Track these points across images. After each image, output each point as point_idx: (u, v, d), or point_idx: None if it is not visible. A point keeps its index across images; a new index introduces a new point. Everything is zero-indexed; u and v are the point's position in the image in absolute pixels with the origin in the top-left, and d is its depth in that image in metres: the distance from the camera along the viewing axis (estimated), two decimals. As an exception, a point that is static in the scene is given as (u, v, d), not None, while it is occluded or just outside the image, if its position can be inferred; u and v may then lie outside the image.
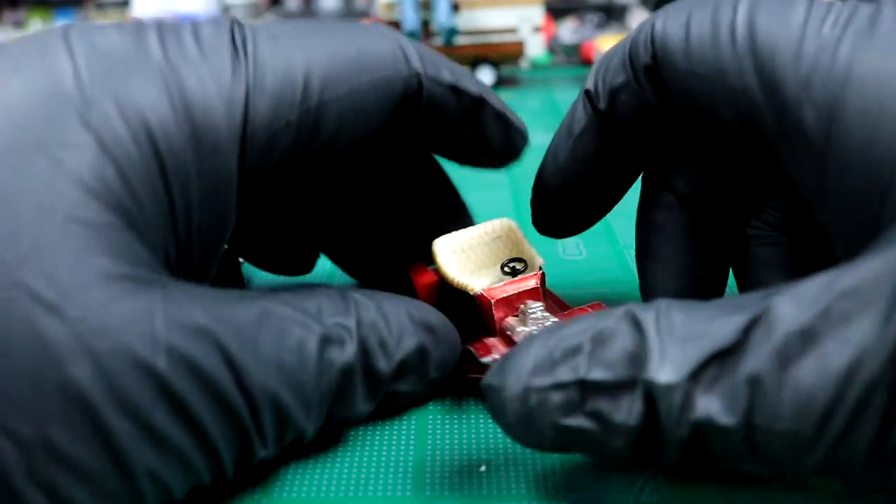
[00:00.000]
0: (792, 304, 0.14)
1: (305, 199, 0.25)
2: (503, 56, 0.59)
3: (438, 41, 0.58)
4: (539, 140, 0.29)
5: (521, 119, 0.23)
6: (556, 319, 0.22)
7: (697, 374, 0.15)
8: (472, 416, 0.22)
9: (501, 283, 0.23)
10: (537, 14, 0.59)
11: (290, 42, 0.19)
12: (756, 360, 0.14)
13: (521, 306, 0.22)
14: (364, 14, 0.74)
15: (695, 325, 0.15)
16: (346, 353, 0.18)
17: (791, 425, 0.14)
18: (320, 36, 0.19)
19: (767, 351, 0.14)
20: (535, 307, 0.22)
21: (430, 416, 0.22)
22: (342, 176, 0.25)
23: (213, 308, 0.16)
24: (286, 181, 0.21)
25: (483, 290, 0.22)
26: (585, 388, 0.16)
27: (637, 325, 0.16)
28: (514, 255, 0.24)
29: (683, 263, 0.23)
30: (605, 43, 0.59)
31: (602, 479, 0.19)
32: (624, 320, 0.16)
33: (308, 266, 0.27)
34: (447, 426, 0.21)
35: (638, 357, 0.15)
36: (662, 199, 0.23)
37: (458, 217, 0.27)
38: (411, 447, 0.21)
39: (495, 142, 0.23)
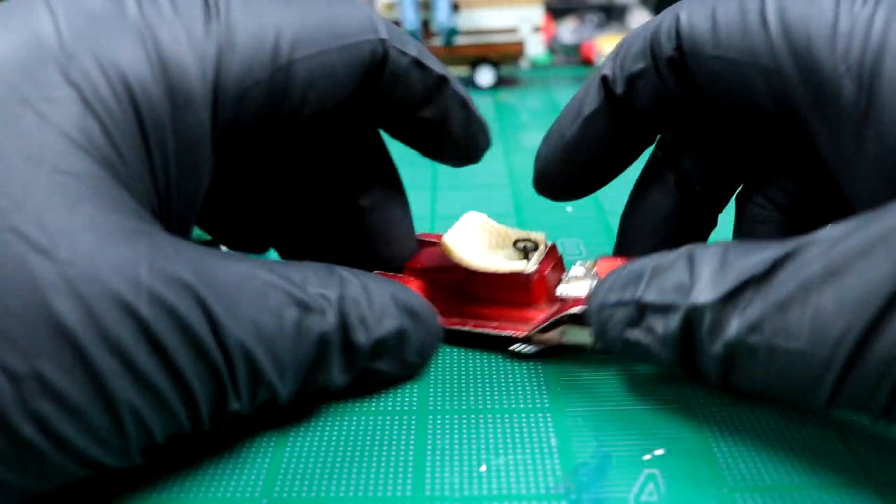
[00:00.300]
0: (820, 243, 0.16)
1: (270, 171, 0.25)
2: (503, 56, 0.59)
3: (438, 41, 0.58)
4: (539, 140, 0.29)
5: (483, 116, 0.24)
6: (595, 271, 0.24)
7: (731, 298, 0.17)
8: (473, 416, 0.22)
9: (528, 262, 0.24)
10: (537, 14, 0.59)
11: (261, 4, 0.19)
12: (783, 287, 0.16)
13: (566, 275, 0.25)
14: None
15: (736, 258, 0.17)
16: (325, 322, 0.19)
17: (808, 346, 0.16)
18: (292, 0, 0.20)
19: (794, 280, 0.16)
20: (576, 272, 0.25)
21: (430, 416, 0.22)
22: (305, 149, 0.25)
23: (198, 263, 0.17)
24: (257, 146, 0.21)
25: (529, 270, 0.24)
26: (641, 307, 0.19)
27: (691, 260, 0.18)
28: (498, 241, 0.26)
29: (661, 239, 0.25)
30: (606, 43, 0.59)
31: (602, 479, 0.19)
32: (682, 256, 0.19)
33: (263, 246, 0.27)
34: (447, 426, 0.21)
35: (685, 286, 0.18)
36: (662, 177, 0.25)
37: (397, 199, 0.27)
38: (411, 447, 0.21)
39: (456, 129, 0.24)
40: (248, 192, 0.25)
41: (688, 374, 0.19)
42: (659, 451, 0.20)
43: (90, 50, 0.17)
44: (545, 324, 0.23)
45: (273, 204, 0.26)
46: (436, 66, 0.22)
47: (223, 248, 0.27)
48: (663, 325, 0.18)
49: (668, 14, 0.21)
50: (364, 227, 0.26)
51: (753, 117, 0.21)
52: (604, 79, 0.22)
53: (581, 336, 0.23)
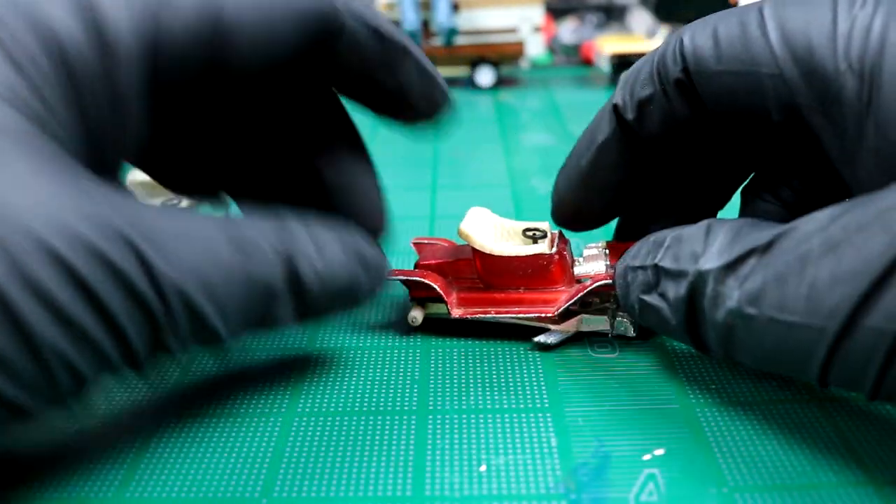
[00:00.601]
0: (821, 220, 0.17)
1: (217, 122, 0.25)
2: (503, 56, 0.59)
3: (438, 41, 0.58)
4: (539, 140, 0.29)
5: (444, 81, 0.25)
6: (606, 253, 0.26)
7: (732, 267, 0.18)
8: (472, 416, 0.22)
9: (541, 247, 0.25)
10: (537, 14, 0.59)
11: None
12: (782, 260, 0.17)
13: (579, 258, 0.26)
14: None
15: (748, 233, 0.18)
16: (271, 270, 0.19)
17: (802, 319, 0.17)
18: None
19: (793, 253, 0.17)
20: (589, 253, 0.26)
21: (430, 416, 0.22)
22: (254, 103, 0.25)
23: (131, 210, 0.17)
24: (199, 99, 0.21)
25: (551, 250, 0.25)
26: (658, 272, 0.20)
27: (708, 232, 0.19)
28: (501, 233, 0.27)
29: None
30: (605, 43, 0.59)
31: (602, 479, 0.19)
32: (702, 227, 0.20)
33: (212, 192, 0.27)
34: (447, 426, 0.21)
35: (697, 254, 0.19)
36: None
37: (360, 164, 0.27)
38: (411, 447, 0.21)
39: (415, 92, 0.24)
40: (199, 141, 0.25)
41: (694, 343, 0.20)
42: (659, 451, 0.20)
43: (19, 9, 0.17)
44: (579, 295, 0.24)
45: (226, 154, 0.26)
46: (396, 35, 0.23)
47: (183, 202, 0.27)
48: (674, 291, 0.20)
49: (671, 39, 0.22)
50: (327, 191, 0.26)
51: (760, 125, 0.21)
52: (615, 107, 0.23)
53: (598, 322, 0.25)
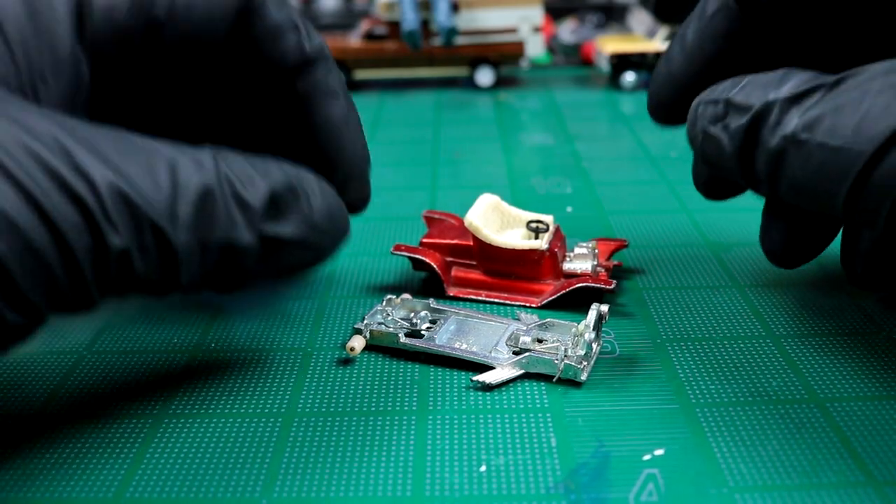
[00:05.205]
0: (889, 65, 0.18)
1: (163, 102, 0.25)
2: (503, 56, 0.59)
3: (438, 41, 0.58)
4: (539, 140, 0.29)
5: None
6: (596, 251, 0.28)
7: (799, 98, 0.19)
8: (472, 416, 0.22)
9: (541, 240, 0.27)
10: (537, 14, 0.59)
11: None
12: (844, 93, 0.18)
13: (570, 254, 0.28)
14: (364, 14, 0.74)
15: (818, 76, 0.19)
16: (202, 174, 0.19)
17: (847, 143, 0.18)
18: None
19: (856, 88, 0.18)
20: (579, 251, 0.28)
21: (430, 416, 0.22)
22: (198, 79, 0.25)
23: (62, 120, 0.18)
24: (138, 71, 0.23)
25: (543, 247, 0.27)
26: (728, 105, 0.21)
27: (787, 74, 0.20)
28: (508, 221, 0.29)
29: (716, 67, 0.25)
30: (605, 43, 0.59)
31: (602, 479, 0.19)
32: (781, 71, 0.21)
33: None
34: (447, 426, 0.21)
35: (769, 91, 0.20)
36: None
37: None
38: (411, 447, 0.21)
39: (319, 120, 0.24)
40: (153, 104, 0.25)
41: (742, 172, 0.21)
42: (659, 451, 0.20)
43: None
44: (555, 295, 0.27)
45: (186, 119, 0.26)
46: (315, 39, 0.23)
47: None
48: (737, 121, 0.21)
49: None
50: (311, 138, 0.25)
51: None
52: None
53: (545, 365, 0.23)
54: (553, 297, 0.27)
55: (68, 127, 0.17)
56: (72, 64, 0.21)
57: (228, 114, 0.26)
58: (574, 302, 0.27)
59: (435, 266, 0.28)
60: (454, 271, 0.29)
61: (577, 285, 0.26)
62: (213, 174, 0.19)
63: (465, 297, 0.28)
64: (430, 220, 0.31)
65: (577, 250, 0.28)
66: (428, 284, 0.29)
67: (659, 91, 0.27)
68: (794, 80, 0.20)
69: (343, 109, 0.25)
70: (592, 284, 0.26)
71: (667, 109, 0.27)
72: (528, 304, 0.27)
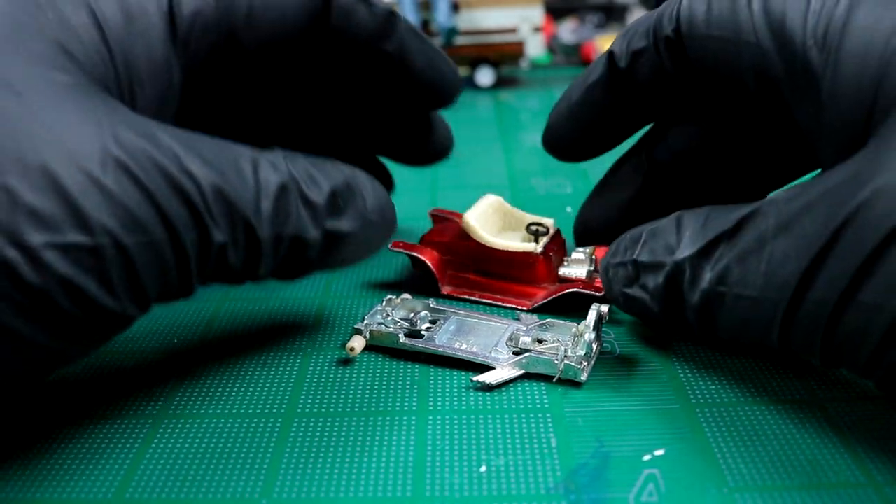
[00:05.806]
0: (777, 202, 0.19)
1: (244, 101, 0.28)
2: (503, 56, 0.59)
3: (438, 41, 0.58)
4: (539, 140, 0.29)
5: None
6: (592, 257, 0.28)
7: (705, 252, 0.20)
8: (472, 416, 0.22)
9: (538, 244, 0.27)
10: (537, 14, 0.59)
11: None
12: (744, 240, 0.19)
13: (567, 258, 0.28)
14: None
15: (716, 218, 0.20)
16: (278, 174, 0.20)
17: (761, 293, 0.19)
18: None
19: (754, 234, 0.19)
20: (576, 256, 0.28)
21: (430, 416, 0.22)
22: (273, 80, 0.28)
23: (165, 126, 0.19)
24: (222, 68, 0.24)
25: (538, 251, 0.27)
26: (637, 266, 0.22)
27: (679, 223, 0.21)
28: (510, 223, 0.30)
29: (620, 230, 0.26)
30: (606, 43, 0.59)
31: (602, 479, 0.19)
32: (672, 219, 0.22)
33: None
34: (447, 426, 0.21)
35: (672, 246, 0.21)
36: (626, 170, 0.28)
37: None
38: (411, 447, 0.21)
39: (417, 60, 0.26)
40: (229, 116, 0.28)
41: (676, 327, 0.22)
42: (659, 451, 0.20)
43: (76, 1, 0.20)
44: (547, 299, 0.27)
45: (263, 121, 0.29)
46: (381, 2, 0.25)
47: None
48: (653, 282, 0.21)
49: (673, 2, 0.24)
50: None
51: (739, 92, 0.23)
52: (611, 54, 0.25)
53: (545, 365, 0.23)
54: (544, 300, 0.27)
55: (170, 131, 0.19)
56: (166, 69, 0.22)
57: (300, 110, 0.28)
58: (568, 307, 0.26)
59: (429, 263, 0.28)
60: (450, 270, 0.29)
61: (569, 290, 0.26)
62: (286, 174, 0.21)
63: (459, 296, 0.28)
64: (436, 219, 0.32)
65: (575, 255, 0.28)
66: (424, 282, 0.29)
67: (550, 132, 0.28)
68: (691, 229, 0.21)
69: (430, 43, 0.27)
70: (584, 290, 0.26)
71: (562, 149, 0.29)
72: (520, 307, 0.27)
